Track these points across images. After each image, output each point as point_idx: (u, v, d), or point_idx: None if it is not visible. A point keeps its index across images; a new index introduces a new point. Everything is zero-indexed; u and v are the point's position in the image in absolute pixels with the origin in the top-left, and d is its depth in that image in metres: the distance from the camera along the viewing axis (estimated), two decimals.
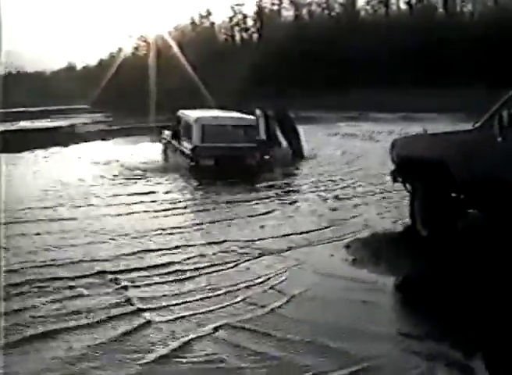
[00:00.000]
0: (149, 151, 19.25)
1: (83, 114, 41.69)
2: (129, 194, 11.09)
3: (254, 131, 15.31)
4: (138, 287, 5.64)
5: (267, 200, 10.42)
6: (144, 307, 5.12)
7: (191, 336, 4.52)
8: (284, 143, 17.32)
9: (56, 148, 19.94)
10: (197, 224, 8.40)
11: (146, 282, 5.78)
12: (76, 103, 52.10)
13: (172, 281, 5.80)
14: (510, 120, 6.22)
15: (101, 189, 11.84)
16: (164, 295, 5.39)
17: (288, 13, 66.83)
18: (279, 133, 17.17)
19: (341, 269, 6.23)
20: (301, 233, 7.74)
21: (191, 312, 4.99)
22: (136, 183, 12.77)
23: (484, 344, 4.37)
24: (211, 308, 5.08)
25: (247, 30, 68.03)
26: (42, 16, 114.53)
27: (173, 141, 16.52)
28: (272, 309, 5.05)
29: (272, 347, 4.34)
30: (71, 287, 5.61)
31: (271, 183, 12.49)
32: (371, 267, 6.29)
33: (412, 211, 7.61)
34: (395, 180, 8.18)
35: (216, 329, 4.64)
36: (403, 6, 61.29)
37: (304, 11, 66.49)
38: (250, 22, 67.68)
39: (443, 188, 7.09)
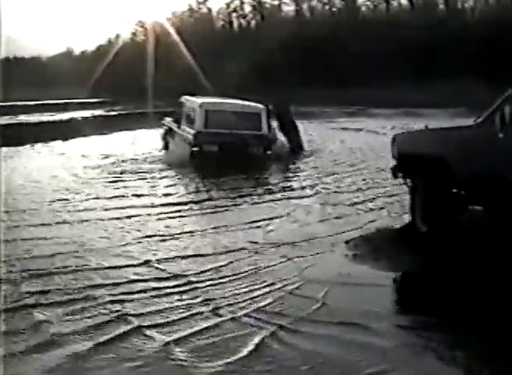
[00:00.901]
0: (149, 138, 19.22)
1: (81, 106, 41.26)
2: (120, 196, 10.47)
3: (258, 120, 15.04)
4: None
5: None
6: (222, 304, 5.21)
7: None
8: (282, 139, 17.16)
9: (56, 142, 19.88)
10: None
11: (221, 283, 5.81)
12: (74, 89, 51.81)
13: None
14: (511, 117, 6.20)
15: (96, 186, 11.52)
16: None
17: (289, 8, 66.79)
18: (277, 130, 17.03)
19: (343, 264, 6.36)
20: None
21: None
22: (130, 180, 12.22)
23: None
24: None
25: (244, 16, 67.88)
26: (39, 0, 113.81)
27: (175, 128, 16.39)
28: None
29: None
30: None
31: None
32: (371, 262, 6.39)
33: (412, 207, 7.58)
34: (395, 176, 8.15)
35: None
36: (404, 2, 61.23)
37: (305, 6, 66.43)
38: (247, 8, 67.60)
39: (444, 184, 7.05)
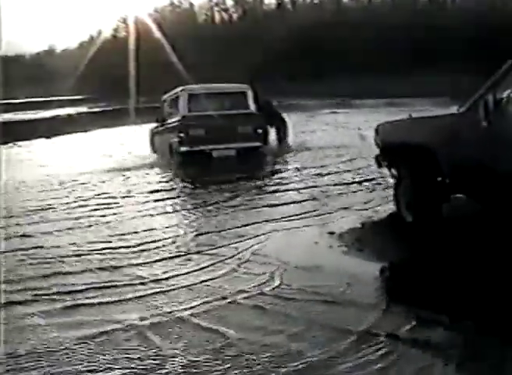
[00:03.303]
0: (131, 136, 19.04)
1: (65, 104, 41.00)
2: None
3: (244, 99, 14.66)
4: None
5: None
6: None
7: None
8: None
9: (39, 140, 19.79)
10: None
11: None
12: (58, 86, 51.56)
13: None
14: (495, 105, 6.16)
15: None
16: None
17: (271, 1, 66.95)
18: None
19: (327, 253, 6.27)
20: None
21: None
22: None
23: None
24: None
25: (226, 10, 67.88)
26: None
27: (160, 128, 16.21)
28: None
29: None
30: None
31: None
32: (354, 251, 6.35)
33: (397, 197, 7.56)
34: (379, 166, 8.12)
35: None
36: None
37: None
38: (229, 2, 67.60)
39: (428, 173, 7.02)
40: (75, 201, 9.67)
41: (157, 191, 10.57)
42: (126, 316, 4.54)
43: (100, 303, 4.90)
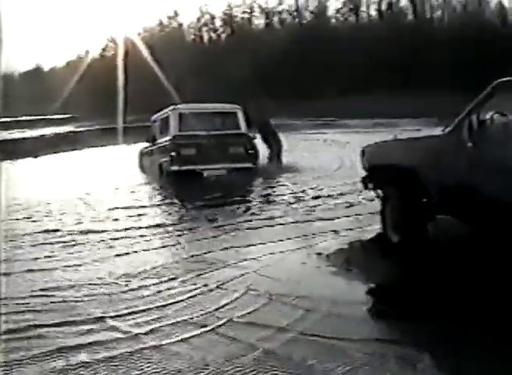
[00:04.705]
0: (119, 156, 18.93)
1: (52, 123, 40.90)
2: None
3: (235, 119, 14.63)
4: None
5: None
6: None
7: None
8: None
9: (26, 160, 19.82)
10: None
11: None
12: (45, 105, 51.53)
13: None
14: (479, 125, 6.19)
15: None
16: None
17: (259, 21, 67.36)
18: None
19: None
20: None
21: None
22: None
23: None
24: None
25: (215, 30, 68.22)
26: (7, 17, 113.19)
27: (149, 148, 16.16)
28: None
29: None
30: None
31: None
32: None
33: (383, 218, 7.56)
34: (366, 187, 8.14)
35: None
36: (373, 13, 61.88)
37: (275, 19, 66.91)
38: (218, 22, 68.06)
39: (413, 194, 7.04)
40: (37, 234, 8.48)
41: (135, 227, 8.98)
42: None
43: None
